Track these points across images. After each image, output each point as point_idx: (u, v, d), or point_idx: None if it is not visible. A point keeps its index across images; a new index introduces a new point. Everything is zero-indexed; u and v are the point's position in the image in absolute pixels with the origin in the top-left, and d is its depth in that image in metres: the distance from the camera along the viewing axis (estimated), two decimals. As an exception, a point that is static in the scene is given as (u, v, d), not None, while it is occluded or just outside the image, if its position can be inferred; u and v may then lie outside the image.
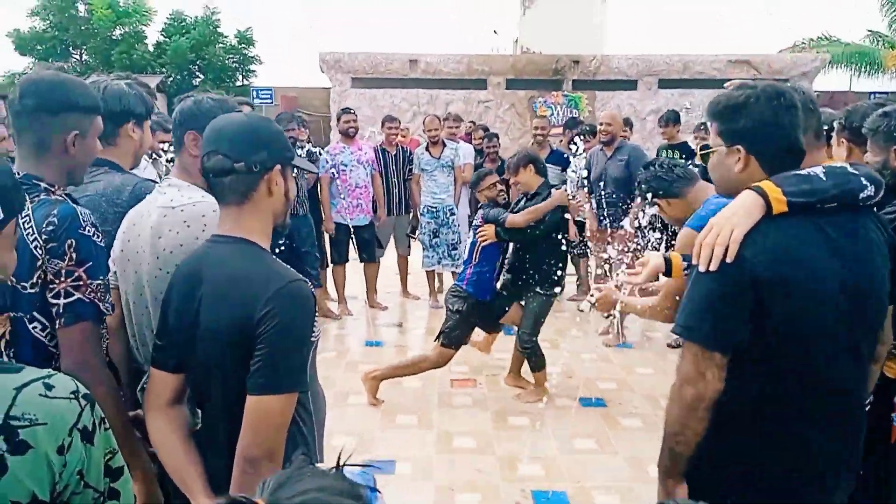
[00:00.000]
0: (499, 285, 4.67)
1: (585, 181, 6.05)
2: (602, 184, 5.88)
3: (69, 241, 1.63)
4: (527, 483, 3.54)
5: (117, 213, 2.07)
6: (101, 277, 1.69)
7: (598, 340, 5.76)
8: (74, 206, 1.70)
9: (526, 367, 4.73)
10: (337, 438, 3.94)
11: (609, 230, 5.82)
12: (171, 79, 18.56)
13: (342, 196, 6.32)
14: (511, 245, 4.65)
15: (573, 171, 6.44)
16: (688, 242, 2.60)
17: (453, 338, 4.46)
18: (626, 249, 5.58)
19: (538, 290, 4.57)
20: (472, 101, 16.26)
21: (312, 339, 1.62)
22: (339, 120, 6.46)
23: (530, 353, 4.57)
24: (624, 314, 5.82)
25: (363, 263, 6.61)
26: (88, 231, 1.67)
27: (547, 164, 6.61)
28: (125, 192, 2.11)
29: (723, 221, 1.55)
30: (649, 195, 2.88)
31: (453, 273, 6.85)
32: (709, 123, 1.79)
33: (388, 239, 6.86)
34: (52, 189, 1.73)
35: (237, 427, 1.54)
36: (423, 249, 6.77)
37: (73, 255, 1.63)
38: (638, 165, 5.60)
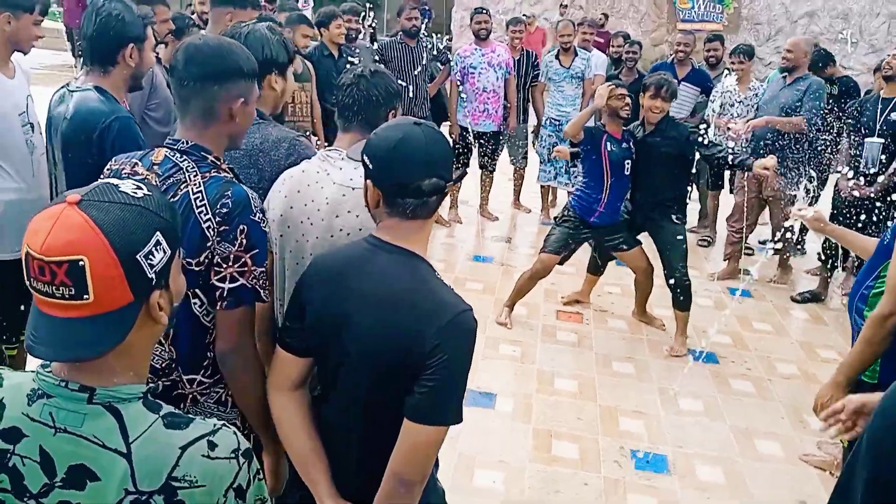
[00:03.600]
0: (624, 216, 4.45)
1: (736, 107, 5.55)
2: (768, 110, 5.29)
3: (241, 227, 1.62)
4: (627, 440, 3.50)
5: (273, 170, 2.06)
6: (264, 264, 1.70)
7: (717, 284, 5.51)
8: (245, 188, 1.68)
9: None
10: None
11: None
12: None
13: (469, 100, 6.11)
14: (632, 169, 4.31)
15: (716, 93, 5.92)
16: None
17: (551, 244, 4.46)
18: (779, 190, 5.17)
19: (674, 218, 4.32)
20: (606, -14, 15.10)
21: None
22: (471, 20, 6.13)
23: (686, 289, 4.34)
24: (737, 250, 5.50)
25: (481, 171, 6.47)
26: (258, 217, 1.66)
27: (685, 84, 6.15)
28: (282, 148, 2.08)
29: None
30: None
31: (569, 192, 6.63)
32: None
33: (503, 147, 6.65)
34: (219, 163, 1.71)
35: (372, 433, 1.55)
36: (541, 163, 6.54)
37: (244, 241, 1.62)
38: (814, 101, 5.08)
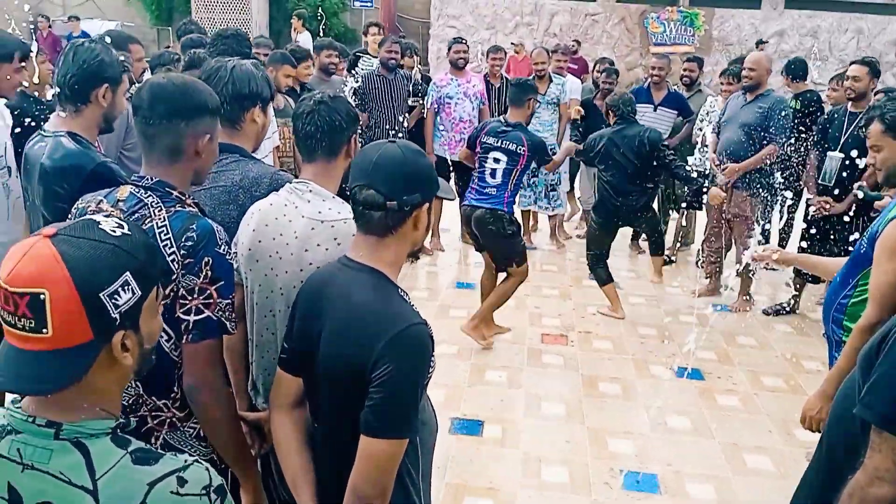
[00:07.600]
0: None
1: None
2: (730, 129, 5.26)
3: (206, 259, 1.63)
4: (617, 461, 3.48)
5: None
6: (231, 296, 1.70)
7: (699, 300, 5.53)
8: (211, 221, 1.69)
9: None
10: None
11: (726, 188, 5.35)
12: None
13: (445, 129, 6.17)
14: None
15: (704, 113, 6.00)
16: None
17: (524, 254, 4.62)
18: (742, 215, 5.23)
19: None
20: (579, 13, 15.42)
21: (426, 380, 1.59)
22: (449, 49, 6.22)
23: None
24: (716, 269, 5.54)
25: (459, 199, 6.49)
26: (223, 249, 1.67)
27: (662, 108, 6.24)
28: (263, 185, 2.08)
29: None
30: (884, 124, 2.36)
31: (550, 216, 6.70)
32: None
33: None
34: (184, 198, 1.72)
35: (344, 450, 1.57)
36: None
37: (209, 273, 1.64)
38: (778, 119, 5.10)
